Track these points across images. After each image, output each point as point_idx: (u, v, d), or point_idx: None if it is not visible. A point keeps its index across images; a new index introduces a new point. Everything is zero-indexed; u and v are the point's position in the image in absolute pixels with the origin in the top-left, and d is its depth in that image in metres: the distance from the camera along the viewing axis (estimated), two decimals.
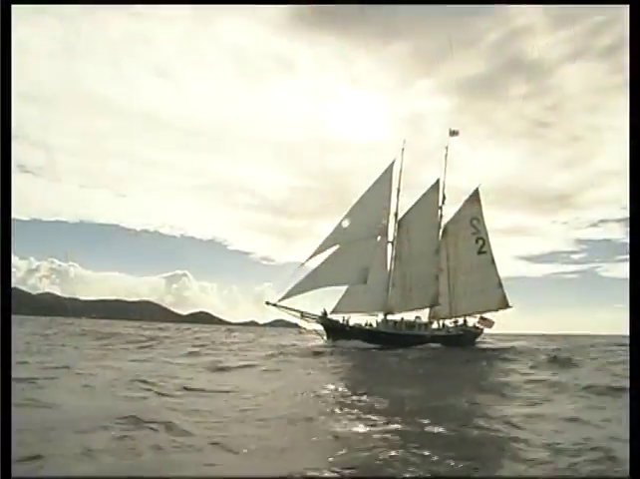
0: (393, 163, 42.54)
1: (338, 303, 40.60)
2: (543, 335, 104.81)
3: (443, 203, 48.34)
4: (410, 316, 44.98)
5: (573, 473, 5.83)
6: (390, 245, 43.82)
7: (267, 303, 36.92)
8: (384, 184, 41.31)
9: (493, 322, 48.66)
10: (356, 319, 41.64)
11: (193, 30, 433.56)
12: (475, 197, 48.75)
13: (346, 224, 38.94)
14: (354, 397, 11.04)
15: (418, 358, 26.53)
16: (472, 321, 48.93)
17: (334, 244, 38.52)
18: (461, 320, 48.52)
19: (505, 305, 48.23)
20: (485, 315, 48.65)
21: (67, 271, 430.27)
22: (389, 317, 43.21)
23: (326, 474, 4.69)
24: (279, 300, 36.99)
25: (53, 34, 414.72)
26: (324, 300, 42.10)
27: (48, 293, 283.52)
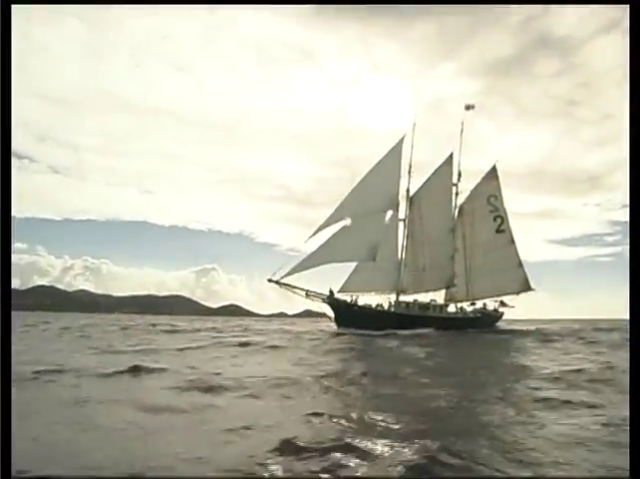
0: (403, 138, 40.76)
1: (346, 282, 39.10)
2: (577, 320, 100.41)
3: (459, 180, 46.30)
4: (425, 298, 43.37)
5: None
6: (402, 224, 42.19)
7: (269, 281, 35.75)
8: (393, 157, 39.52)
9: (512, 307, 46.54)
10: (366, 300, 40.29)
11: (212, 23, 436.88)
12: (492, 173, 46.45)
13: (353, 197, 37.38)
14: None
15: (427, 343, 24.80)
16: (493, 305, 46.98)
17: (340, 219, 37.03)
18: (480, 304, 46.56)
19: (527, 287, 45.84)
20: (508, 298, 46.67)
21: (99, 269, 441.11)
22: (401, 298, 41.61)
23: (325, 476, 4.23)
24: (282, 277, 35.76)
25: (75, 36, 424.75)
26: (334, 284, 40.79)
27: (82, 290, 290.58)
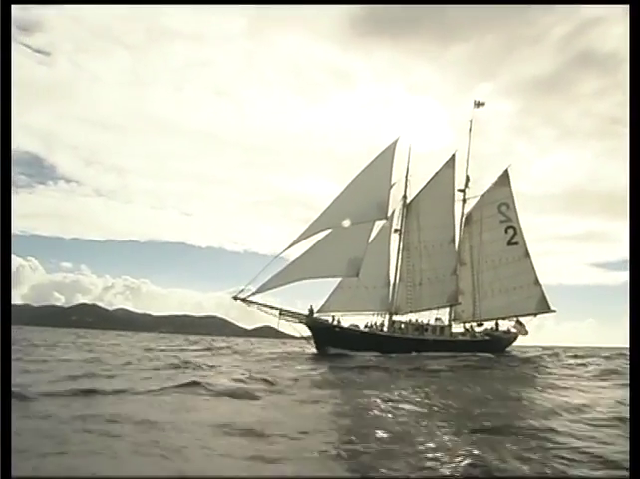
0: (396, 140, 36.41)
1: (327, 301, 34.78)
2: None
3: (466, 185, 41.52)
4: (427, 319, 38.39)
5: None
6: (396, 235, 37.68)
7: (235, 299, 31.96)
8: (384, 161, 35.22)
9: (527, 331, 40.73)
10: (356, 321, 35.81)
11: (250, 49, 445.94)
12: (504, 179, 41.32)
13: (337, 205, 33.27)
14: None
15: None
16: (507, 327, 41.37)
17: (320, 230, 32.92)
18: (490, 325, 41.05)
19: (546, 308, 40.12)
20: (525, 320, 40.97)
21: (139, 288, 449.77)
22: (395, 319, 36.89)
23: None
24: (251, 295, 31.89)
25: (120, 63, 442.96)
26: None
27: (122, 309, 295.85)
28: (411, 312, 36.90)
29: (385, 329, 35.78)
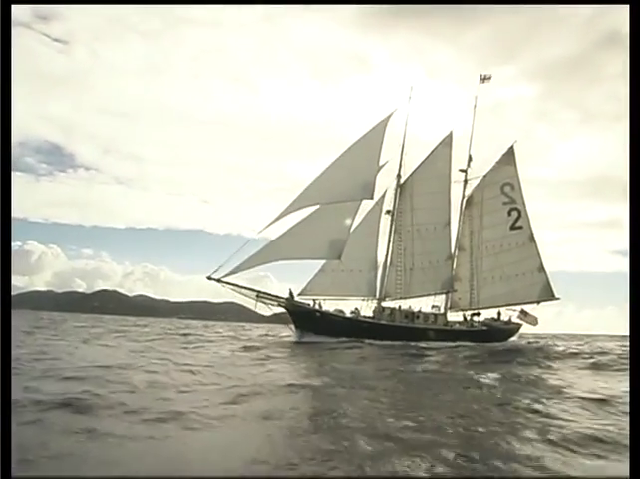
0: (389, 116, 33.82)
1: (308, 284, 32.54)
2: None
3: (468, 165, 38.73)
4: (423, 306, 35.99)
5: None
6: (388, 216, 35.20)
7: (209, 279, 30.11)
8: (374, 136, 32.73)
9: (536, 319, 37.82)
10: (343, 307, 33.70)
11: (266, 35, 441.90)
12: (508, 157, 38.35)
13: (321, 181, 30.98)
14: None
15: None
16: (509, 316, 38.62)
17: (300, 208, 30.71)
18: (490, 314, 38.39)
19: (550, 296, 37.25)
20: (529, 308, 38.13)
21: (158, 275, 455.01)
22: (385, 305, 34.57)
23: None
24: (225, 276, 29.97)
25: (137, 52, 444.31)
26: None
27: (142, 296, 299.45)
28: (401, 299, 34.49)
29: (371, 316, 33.51)
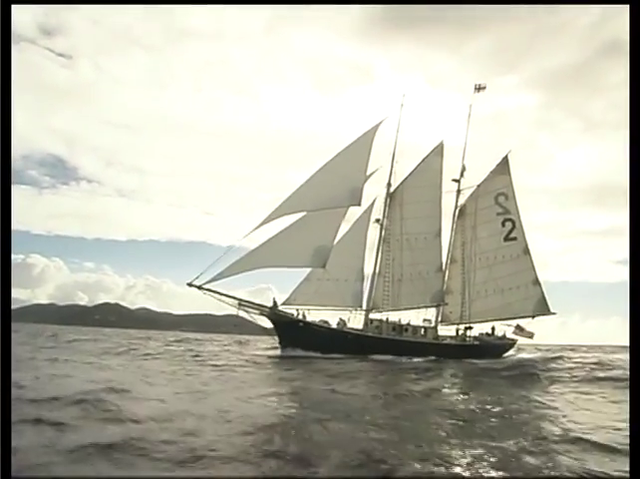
0: (379, 123, 33.19)
1: (293, 293, 31.68)
2: None
3: (462, 175, 37.95)
4: (415, 319, 34.89)
5: None
6: (378, 225, 34.36)
7: (190, 285, 29.29)
8: (363, 144, 32.07)
9: (532, 333, 36.61)
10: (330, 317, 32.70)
11: (268, 46, 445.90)
12: (502, 167, 37.55)
13: (307, 188, 30.23)
14: None
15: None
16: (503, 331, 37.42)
17: (284, 215, 29.93)
18: (484, 329, 37.22)
19: (545, 310, 36.11)
20: (524, 323, 36.91)
21: (160, 287, 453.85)
22: (373, 317, 33.52)
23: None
24: (206, 282, 29.13)
25: (140, 65, 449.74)
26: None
27: (144, 308, 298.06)
28: (388, 311, 33.42)
29: (356, 327, 32.47)
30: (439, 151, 35.08)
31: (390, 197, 34.71)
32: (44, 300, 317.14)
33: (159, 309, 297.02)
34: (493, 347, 35.45)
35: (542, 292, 36.14)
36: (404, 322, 33.79)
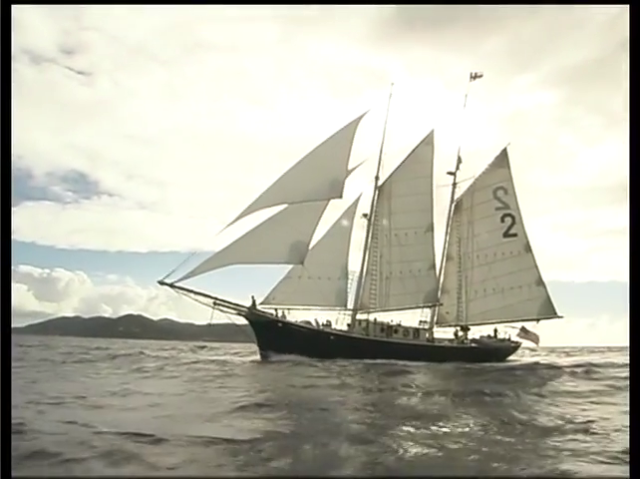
0: (363, 115, 31.45)
1: (272, 291, 29.86)
2: None
3: (457, 167, 35.85)
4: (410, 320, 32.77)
5: None
6: (366, 220, 32.49)
7: (161, 283, 27.91)
8: (345, 135, 30.38)
9: (538, 336, 34.04)
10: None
11: (283, 56, 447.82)
12: (501, 160, 35.31)
13: (286, 180, 28.61)
14: None
15: None
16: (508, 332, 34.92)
17: (259, 209, 28.32)
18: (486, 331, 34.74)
19: (551, 313, 33.49)
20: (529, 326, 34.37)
21: (182, 298, 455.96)
22: (360, 317, 31.49)
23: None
24: (179, 280, 27.68)
25: (158, 79, 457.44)
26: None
27: (166, 319, 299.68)
28: (377, 311, 31.34)
29: (340, 328, 30.53)
30: (429, 140, 33.06)
31: (378, 190, 32.83)
32: (69, 313, 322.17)
33: (180, 320, 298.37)
34: (493, 351, 32.91)
35: (547, 293, 33.56)
36: (395, 323, 31.70)
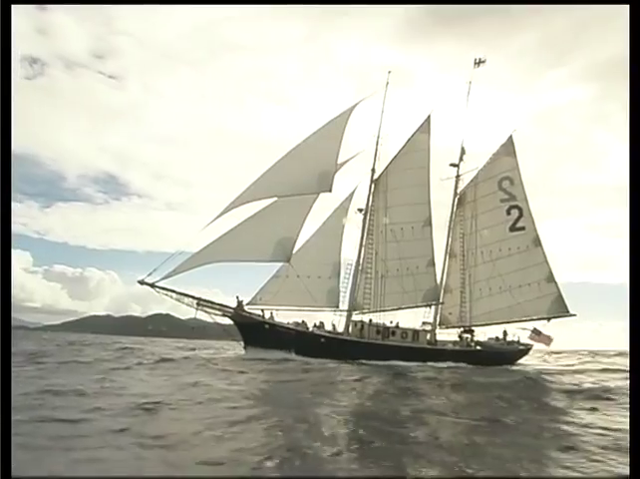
0: (355, 105, 29.72)
1: (259, 291, 28.40)
2: None
3: (461, 159, 33.76)
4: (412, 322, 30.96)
5: None
6: (361, 216, 30.78)
7: (141, 283, 26.93)
8: (337, 125, 28.72)
9: (550, 338, 31.70)
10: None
11: (309, 55, 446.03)
12: (507, 148, 33.02)
13: (272, 173, 27.14)
14: None
15: None
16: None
17: (245, 203, 26.91)
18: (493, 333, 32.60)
19: (563, 311, 31.08)
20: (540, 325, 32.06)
21: (211, 297, 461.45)
22: (356, 318, 29.82)
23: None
24: (159, 280, 26.69)
25: (185, 81, 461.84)
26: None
27: (194, 318, 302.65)
28: (372, 312, 29.57)
29: (336, 330, 28.96)
30: (425, 128, 31.06)
31: (374, 183, 31.05)
32: (100, 312, 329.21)
33: (209, 319, 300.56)
34: (500, 354, 30.76)
35: (559, 290, 31.16)
36: (393, 325, 29.90)
